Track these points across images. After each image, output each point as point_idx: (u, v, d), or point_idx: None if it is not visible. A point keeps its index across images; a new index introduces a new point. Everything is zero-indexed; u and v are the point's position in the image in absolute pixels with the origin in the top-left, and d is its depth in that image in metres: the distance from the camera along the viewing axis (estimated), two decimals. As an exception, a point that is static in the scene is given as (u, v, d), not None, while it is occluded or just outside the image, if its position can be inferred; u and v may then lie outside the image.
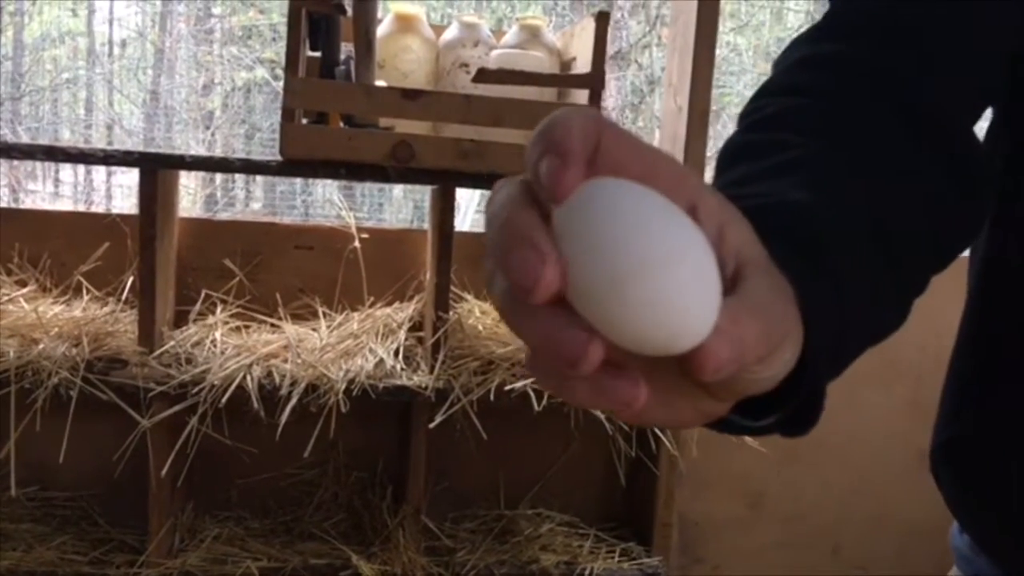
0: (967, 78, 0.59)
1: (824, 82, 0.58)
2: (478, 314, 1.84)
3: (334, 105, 1.62)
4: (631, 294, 0.32)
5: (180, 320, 1.82)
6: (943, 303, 0.91)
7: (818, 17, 0.64)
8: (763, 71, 6.22)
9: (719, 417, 0.42)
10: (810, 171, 0.51)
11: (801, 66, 0.60)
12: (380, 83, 1.64)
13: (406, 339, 1.79)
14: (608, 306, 0.33)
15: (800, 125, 0.55)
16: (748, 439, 1.82)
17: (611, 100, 5.55)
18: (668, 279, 0.32)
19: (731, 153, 0.56)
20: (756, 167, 0.52)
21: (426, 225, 1.87)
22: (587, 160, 0.34)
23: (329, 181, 4.86)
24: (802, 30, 0.65)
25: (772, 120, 0.57)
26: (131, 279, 1.79)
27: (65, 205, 6.24)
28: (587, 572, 1.77)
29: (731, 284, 0.37)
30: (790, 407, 0.44)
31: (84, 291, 1.80)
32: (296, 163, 1.63)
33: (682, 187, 0.37)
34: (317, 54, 1.65)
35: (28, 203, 5.87)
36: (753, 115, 0.58)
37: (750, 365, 0.37)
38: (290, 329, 1.79)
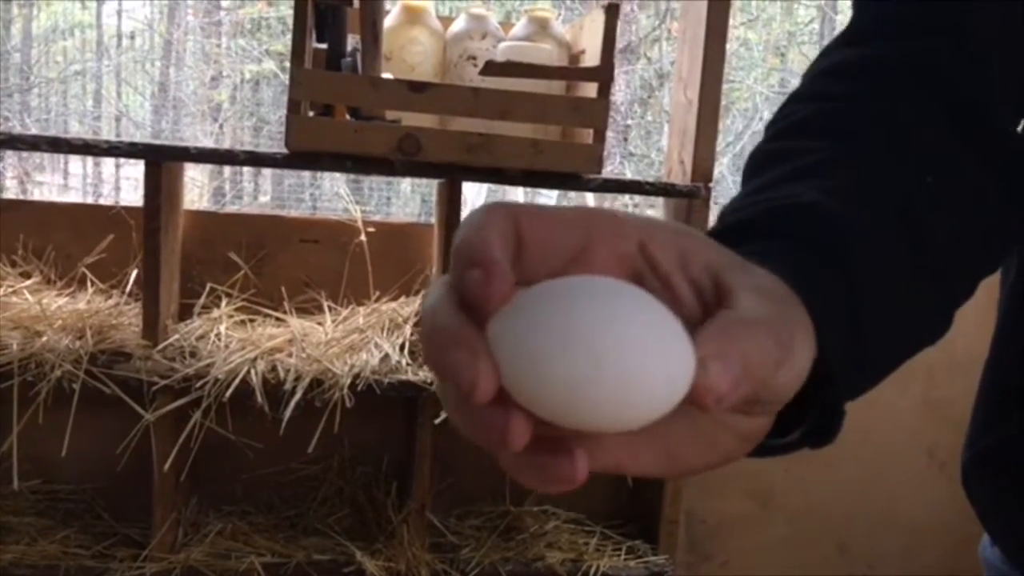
0: (1013, 77, 0.56)
1: (851, 88, 0.55)
2: (484, 309, 1.83)
3: (340, 97, 1.60)
4: (583, 389, 0.31)
5: (184, 313, 1.81)
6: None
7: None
8: (773, 65, 6.19)
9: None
10: (832, 173, 0.49)
11: (830, 72, 0.58)
12: (387, 75, 1.63)
13: (412, 334, 1.77)
14: (569, 406, 0.32)
15: (826, 129, 0.53)
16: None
17: (620, 94, 5.53)
18: (620, 357, 0.32)
19: (755, 163, 0.54)
20: (776, 173, 0.50)
21: (433, 219, 1.86)
22: (512, 259, 0.34)
23: (337, 174, 4.86)
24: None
25: (796, 126, 0.55)
26: (135, 272, 1.78)
27: (74, 197, 6.25)
28: (593, 570, 1.76)
29: (716, 299, 0.36)
30: (813, 416, 0.43)
31: (88, 283, 1.79)
32: (302, 155, 1.61)
33: (624, 233, 0.36)
34: (324, 46, 1.64)
35: (37, 195, 5.88)
36: (779, 123, 0.56)
37: (772, 373, 0.35)
38: (295, 323, 1.78)
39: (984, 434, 0.69)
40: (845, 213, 0.46)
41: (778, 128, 0.56)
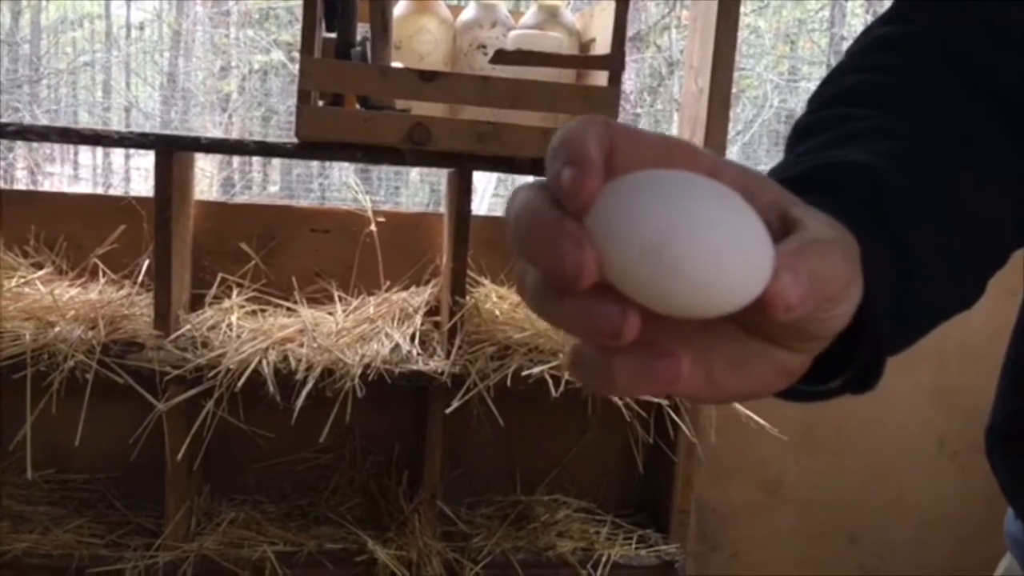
0: None
1: (894, 61, 0.57)
2: (495, 299, 1.83)
3: (350, 87, 1.60)
4: (676, 265, 0.33)
5: (196, 303, 1.81)
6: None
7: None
8: (783, 53, 6.15)
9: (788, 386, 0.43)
10: (877, 139, 0.50)
11: (871, 48, 0.60)
12: (396, 64, 1.63)
13: (422, 324, 1.77)
14: (658, 284, 0.33)
15: (870, 99, 0.54)
16: (766, 425, 1.81)
17: (629, 82, 5.51)
18: (710, 239, 0.33)
19: (797, 133, 0.56)
20: (819, 140, 0.52)
21: (443, 209, 1.86)
22: (605, 169, 0.36)
23: (346, 164, 4.85)
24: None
25: (838, 97, 0.56)
26: (147, 262, 1.78)
27: (84, 188, 6.26)
28: (604, 559, 1.76)
29: (782, 233, 0.38)
30: (859, 360, 0.45)
31: (100, 274, 1.80)
32: (311, 145, 1.61)
33: (699, 163, 0.38)
34: (333, 35, 1.63)
35: (47, 185, 5.89)
36: (822, 96, 0.58)
37: (844, 290, 0.37)
38: (306, 313, 1.78)
39: (1006, 404, 0.69)
40: (891, 173, 0.47)
41: (822, 100, 0.57)
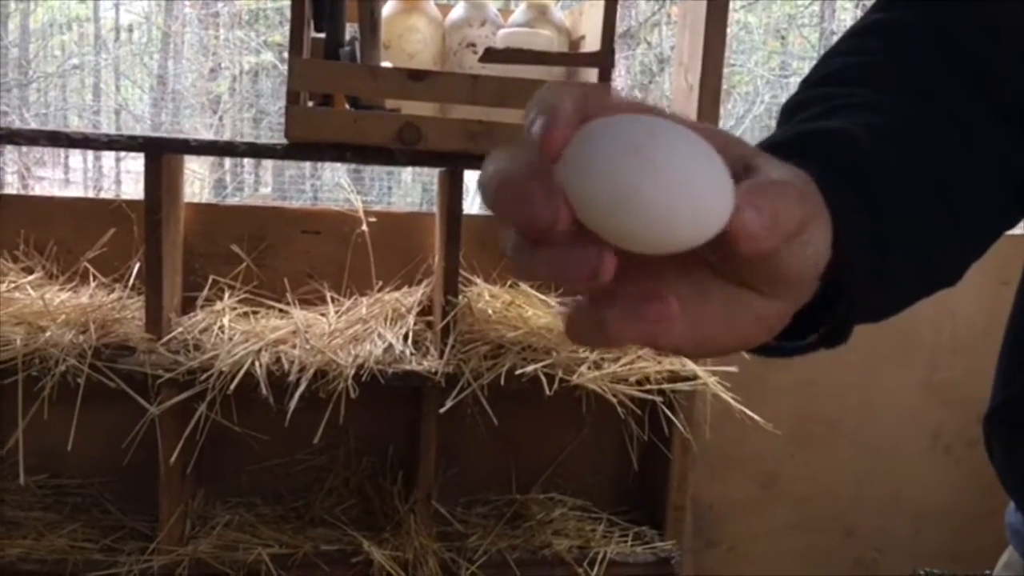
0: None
1: (883, 44, 0.59)
2: (488, 298, 1.82)
3: (339, 87, 1.59)
4: (640, 200, 0.34)
5: (188, 306, 1.80)
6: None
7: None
8: (774, 48, 6.15)
9: (765, 343, 0.44)
10: (864, 114, 0.51)
11: (862, 33, 0.61)
12: (385, 64, 1.62)
13: (415, 324, 1.77)
14: (622, 217, 0.34)
15: (856, 79, 0.56)
16: (760, 420, 1.80)
17: (620, 80, 5.50)
18: (673, 176, 0.34)
19: (787, 110, 0.57)
20: (807, 114, 0.53)
21: (435, 208, 1.85)
22: (578, 122, 0.37)
23: (338, 165, 4.84)
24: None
25: (828, 77, 0.58)
26: (138, 265, 1.77)
27: (75, 191, 6.24)
28: (600, 556, 1.76)
29: (744, 177, 0.39)
30: (835, 315, 0.47)
31: (91, 278, 1.79)
32: (301, 146, 1.61)
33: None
34: (322, 35, 1.63)
35: (38, 189, 5.87)
36: (810, 77, 0.60)
37: (794, 234, 0.38)
38: (298, 314, 1.78)
39: (1006, 385, 0.69)
40: (872, 142, 0.48)
41: (811, 80, 0.59)
